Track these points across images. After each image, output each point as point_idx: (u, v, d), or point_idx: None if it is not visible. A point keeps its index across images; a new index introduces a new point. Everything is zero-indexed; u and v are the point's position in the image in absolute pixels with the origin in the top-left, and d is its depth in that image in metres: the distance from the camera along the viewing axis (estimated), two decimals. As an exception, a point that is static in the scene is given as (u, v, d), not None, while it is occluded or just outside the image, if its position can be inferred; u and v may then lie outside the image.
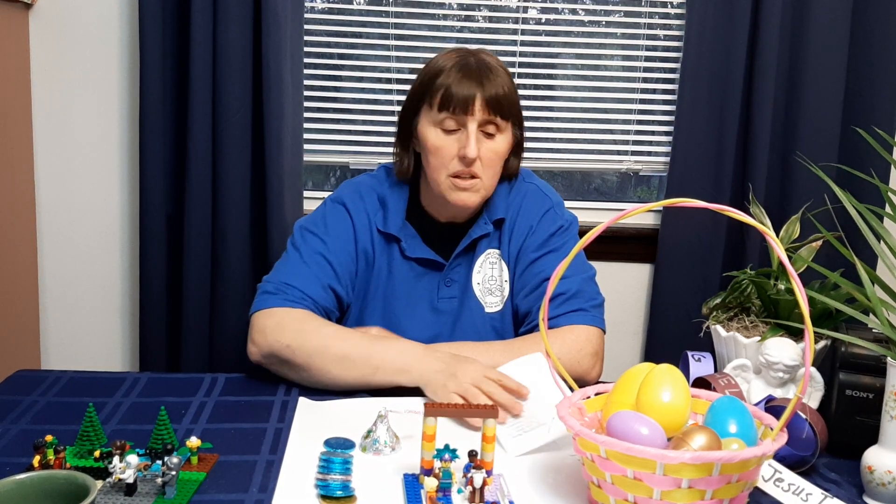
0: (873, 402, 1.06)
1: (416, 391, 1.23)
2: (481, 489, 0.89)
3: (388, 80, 2.09)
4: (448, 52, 1.36)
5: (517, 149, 1.40)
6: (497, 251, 1.41)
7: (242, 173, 1.93)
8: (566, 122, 2.15)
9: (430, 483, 0.89)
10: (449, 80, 1.29)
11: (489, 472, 0.93)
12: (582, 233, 0.94)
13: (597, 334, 1.33)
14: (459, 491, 0.92)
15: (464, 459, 0.93)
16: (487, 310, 1.40)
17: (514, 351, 1.27)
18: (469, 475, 0.90)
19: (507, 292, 1.41)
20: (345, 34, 2.07)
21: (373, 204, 1.40)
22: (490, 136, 1.31)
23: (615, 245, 2.09)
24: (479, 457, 0.92)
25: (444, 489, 0.91)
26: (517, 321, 1.41)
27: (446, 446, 0.93)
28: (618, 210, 2.02)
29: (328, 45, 2.08)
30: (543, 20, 2.11)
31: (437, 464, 0.92)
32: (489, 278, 1.40)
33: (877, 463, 0.96)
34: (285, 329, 1.25)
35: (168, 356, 2.00)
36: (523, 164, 1.49)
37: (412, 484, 0.94)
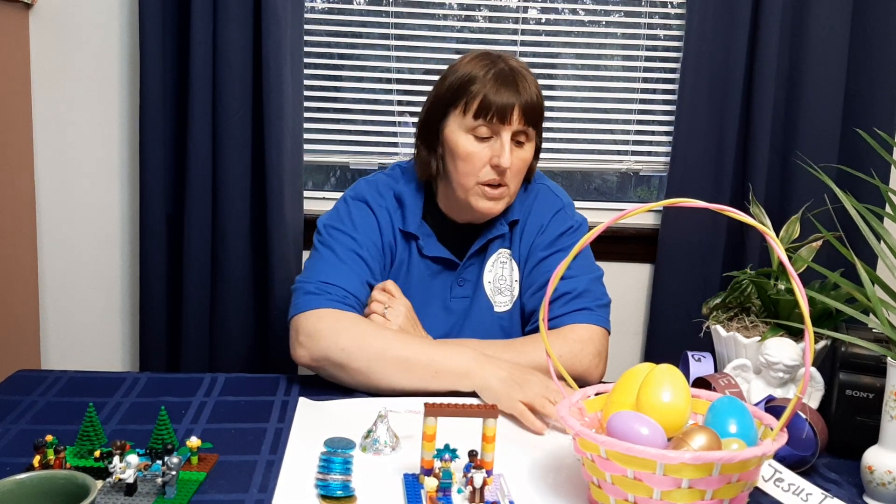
0: (873, 402, 1.06)
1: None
2: (481, 489, 0.89)
3: (388, 80, 2.09)
4: (474, 58, 1.33)
5: (538, 155, 1.41)
6: (508, 251, 1.41)
7: (242, 173, 1.93)
8: (566, 122, 2.15)
9: (431, 483, 0.89)
10: (486, 89, 1.27)
11: (489, 472, 0.93)
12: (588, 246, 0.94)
13: (600, 334, 1.32)
14: (459, 491, 0.92)
15: (464, 459, 0.93)
16: (496, 309, 1.41)
17: (514, 349, 1.28)
18: (469, 475, 0.90)
19: (516, 292, 1.41)
20: (345, 34, 2.07)
21: (391, 202, 1.40)
22: (520, 144, 1.31)
23: (615, 245, 2.09)
24: (479, 457, 0.93)
25: (444, 489, 0.91)
26: (524, 320, 1.41)
27: (446, 446, 0.93)
28: (618, 210, 2.02)
29: (328, 45, 2.08)
30: (543, 20, 2.11)
31: (438, 464, 0.92)
32: (500, 278, 1.41)
33: (877, 463, 0.96)
34: (341, 333, 1.23)
35: (168, 356, 2.00)
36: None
37: (412, 484, 0.94)
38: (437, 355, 1.22)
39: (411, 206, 1.39)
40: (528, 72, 1.33)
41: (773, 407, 1.06)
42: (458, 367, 1.21)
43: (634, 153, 2.18)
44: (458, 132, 1.31)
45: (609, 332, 1.35)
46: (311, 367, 1.26)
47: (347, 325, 1.24)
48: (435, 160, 1.36)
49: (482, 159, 1.30)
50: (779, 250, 0.80)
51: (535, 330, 1.37)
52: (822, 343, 1.23)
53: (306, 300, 1.27)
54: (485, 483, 0.90)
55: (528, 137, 1.32)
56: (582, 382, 1.22)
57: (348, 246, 1.33)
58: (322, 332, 1.23)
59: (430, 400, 0.98)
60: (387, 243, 1.38)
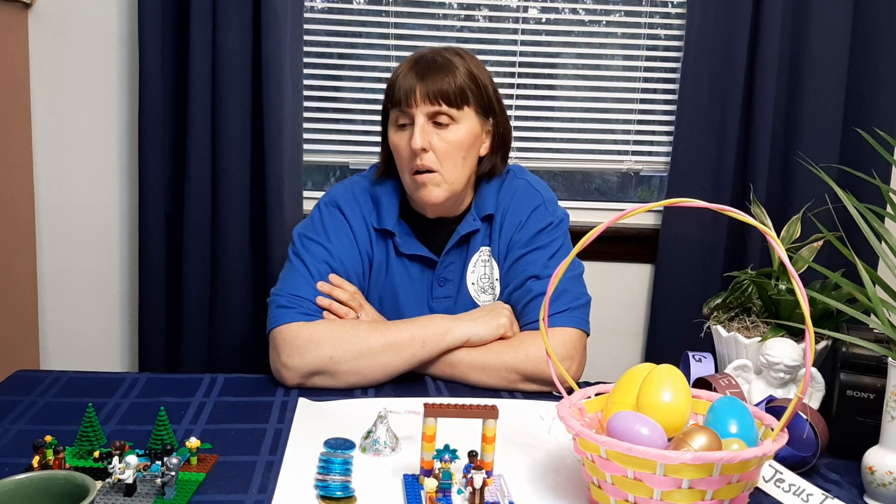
0: (874, 403, 1.05)
1: (415, 392, 1.23)
2: (481, 490, 0.89)
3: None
4: (422, 51, 1.37)
5: (498, 144, 1.40)
6: (489, 249, 1.41)
7: (242, 173, 1.93)
8: (566, 122, 2.15)
9: (430, 484, 0.89)
10: (398, 77, 1.33)
11: (489, 473, 0.92)
12: (581, 232, 0.93)
13: (573, 336, 1.29)
14: (459, 492, 0.92)
15: (464, 460, 0.93)
16: None
17: (513, 347, 1.28)
18: (469, 476, 0.90)
19: (498, 290, 1.41)
20: (345, 34, 2.07)
21: (367, 203, 1.40)
22: (442, 126, 1.31)
23: (616, 245, 2.09)
24: (479, 457, 0.92)
25: (444, 490, 0.91)
26: None
27: (446, 447, 0.93)
28: (618, 210, 2.02)
29: (328, 45, 2.08)
30: (544, 20, 2.11)
31: (437, 464, 0.92)
32: (483, 277, 1.40)
33: (878, 463, 0.95)
34: (321, 343, 1.24)
35: (167, 356, 1.99)
36: (524, 163, 1.49)
37: (412, 484, 0.94)
38: (415, 328, 1.28)
39: (387, 205, 1.39)
40: (462, 57, 1.34)
41: (773, 407, 1.06)
42: (440, 328, 1.28)
43: (635, 153, 2.17)
44: (391, 128, 1.37)
45: (588, 333, 1.32)
46: (299, 386, 1.26)
47: (324, 332, 1.25)
48: (384, 159, 1.42)
49: (406, 148, 1.32)
50: (780, 250, 0.80)
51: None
52: (822, 343, 1.23)
53: (280, 314, 1.28)
54: (485, 484, 0.90)
55: (454, 119, 1.31)
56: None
57: (320, 257, 1.34)
58: (302, 347, 1.24)
59: (430, 400, 0.98)
60: (363, 248, 1.39)
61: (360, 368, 1.24)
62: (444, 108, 1.30)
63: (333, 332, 1.25)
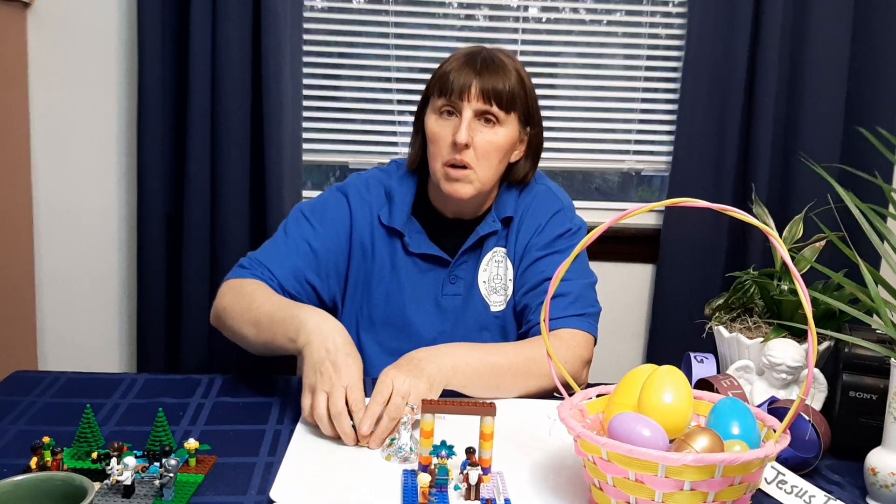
0: (877, 404, 1.05)
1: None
2: (477, 486, 0.89)
3: (388, 80, 2.08)
4: (464, 51, 1.36)
5: (531, 152, 1.40)
6: (504, 249, 1.41)
7: (241, 173, 1.93)
8: (567, 122, 2.14)
9: (424, 479, 0.89)
10: (450, 68, 1.31)
11: (486, 470, 0.92)
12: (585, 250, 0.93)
13: (591, 342, 1.33)
14: (456, 487, 0.92)
15: (461, 456, 0.93)
16: (493, 309, 1.40)
17: (523, 351, 1.26)
18: (465, 472, 0.90)
19: (510, 291, 1.40)
20: (345, 34, 2.07)
21: (379, 197, 1.40)
22: (489, 123, 1.31)
23: (617, 245, 2.09)
24: (476, 454, 0.92)
25: (440, 486, 0.91)
26: (517, 319, 1.40)
27: (443, 443, 0.93)
28: (619, 210, 2.01)
29: (328, 44, 2.07)
30: (544, 19, 2.10)
31: (435, 460, 0.92)
32: (494, 277, 1.40)
33: (880, 465, 0.95)
34: (226, 293, 1.31)
35: (166, 357, 1.99)
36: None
37: (410, 480, 0.95)
38: (289, 315, 1.18)
39: (399, 202, 1.39)
40: (515, 64, 1.34)
41: (775, 408, 1.05)
42: (290, 331, 1.16)
43: (636, 153, 2.17)
44: (430, 115, 1.34)
45: (595, 342, 1.35)
46: (219, 329, 1.33)
47: (237, 286, 1.30)
48: (419, 147, 1.40)
49: (446, 138, 1.31)
50: (782, 250, 0.80)
51: (528, 331, 1.36)
52: (825, 344, 1.22)
53: (233, 272, 1.36)
54: (480, 480, 0.90)
55: (499, 121, 1.31)
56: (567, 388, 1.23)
57: (303, 235, 1.37)
58: (220, 293, 1.32)
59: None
60: (358, 241, 1.39)
61: (238, 329, 1.26)
62: (495, 108, 1.30)
63: (241, 287, 1.29)
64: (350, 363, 1.09)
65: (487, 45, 1.38)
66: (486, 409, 0.93)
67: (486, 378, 1.20)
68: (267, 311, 1.22)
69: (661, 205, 0.88)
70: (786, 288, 1.24)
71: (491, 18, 2.09)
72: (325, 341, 1.11)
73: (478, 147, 1.30)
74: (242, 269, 1.34)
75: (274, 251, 1.36)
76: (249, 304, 1.25)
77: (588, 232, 1.41)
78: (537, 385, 1.24)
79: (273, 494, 0.91)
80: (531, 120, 1.37)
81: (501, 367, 1.22)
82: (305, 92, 2.01)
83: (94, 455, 0.94)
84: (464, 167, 1.31)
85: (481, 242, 1.40)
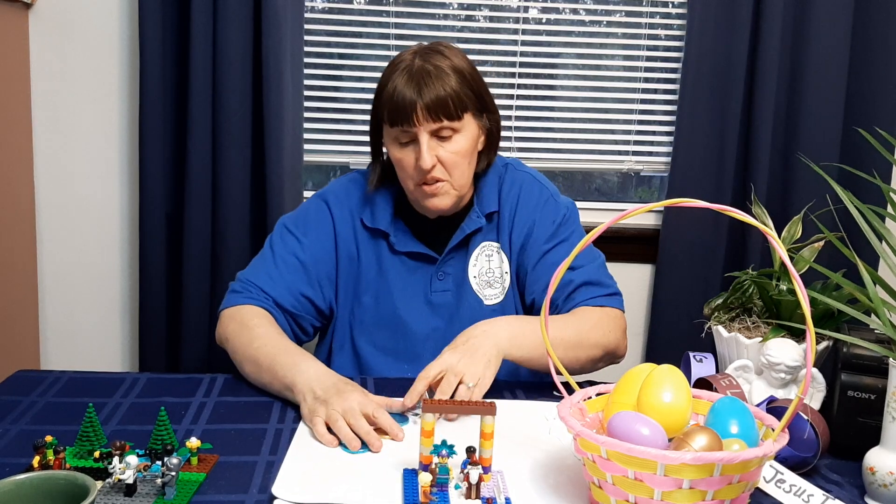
0: (875, 403, 1.05)
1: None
2: (477, 485, 0.90)
3: (389, 80, 2.08)
4: (394, 62, 1.32)
5: (492, 139, 1.39)
6: (496, 244, 1.41)
7: (242, 173, 1.93)
8: (567, 122, 2.15)
9: (425, 478, 0.90)
10: (391, 95, 1.27)
11: (487, 469, 0.93)
12: (583, 229, 0.93)
13: (624, 317, 1.38)
14: (457, 486, 0.93)
15: (462, 455, 0.93)
16: (487, 302, 1.40)
17: (572, 325, 1.30)
18: (466, 471, 0.90)
19: (507, 283, 1.41)
20: (345, 34, 2.07)
21: (359, 200, 1.41)
22: (445, 138, 1.30)
23: (616, 245, 2.09)
24: (476, 453, 0.93)
25: (440, 484, 0.92)
26: (527, 313, 1.41)
27: (443, 442, 0.93)
28: (619, 210, 2.02)
29: (328, 45, 2.08)
30: (544, 20, 2.11)
31: (435, 459, 0.92)
32: (486, 271, 1.40)
33: (878, 464, 0.95)
34: (227, 323, 1.31)
35: (168, 356, 1.99)
36: (525, 163, 1.49)
37: (411, 479, 0.95)
38: (281, 363, 1.19)
39: (381, 203, 1.39)
40: (449, 56, 1.30)
41: (774, 408, 1.06)
42: (286, 379, 1.17)
43: (635, 153, 2.17)
44: (388, 141, 1.34)
45: None
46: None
47: (239, 319, 1.30)
48: (377, 169, 1.40)
49: (411, 163, 1.31)
50: (780, 251, 0.80)
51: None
52: (823, 344, 1.23)
53: (229, 298, 1.36)
54: (481, 479, 0.90)
55: (455, 130, 1.30)
56: (610, 356, 1.33)
57: (290, 250, 1.37)
58: (223, 322, 1.33)
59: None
60: (344, 247, 1.40)
61: (238, 364, 1.27)
62: (447, 122, 1.28)
63: (243, 319, 1.29)
64: (350, 388, 1.12)
65: (425, 43, 1.34)
66: (486, 408, 0.93)
67: (541, 349, 1.21)
68: (267, 352, 1.22)
69: (660, 205, 0.89)
70: (784, 288, 1.25)
71: (491, 19, 2.10)
72: (321, 382, 1.14)
73: (445, 161, 1.30)
74: (237, 294, 1.34)
75: (264, 271, 1.36)
76: (250, 339, 1.25)
77: (575, 210, 1.46)
78: (587, 355, 1.28)
79: (275, 490, 0.91)
80: (486, 107, 1.36)
81: (555, 339, 1.22)
82: (306, 92, 2.02)
83: (97, 454, 0.94)
84: (437, 181, 1.31)
85: (467, 240, 1.40)
